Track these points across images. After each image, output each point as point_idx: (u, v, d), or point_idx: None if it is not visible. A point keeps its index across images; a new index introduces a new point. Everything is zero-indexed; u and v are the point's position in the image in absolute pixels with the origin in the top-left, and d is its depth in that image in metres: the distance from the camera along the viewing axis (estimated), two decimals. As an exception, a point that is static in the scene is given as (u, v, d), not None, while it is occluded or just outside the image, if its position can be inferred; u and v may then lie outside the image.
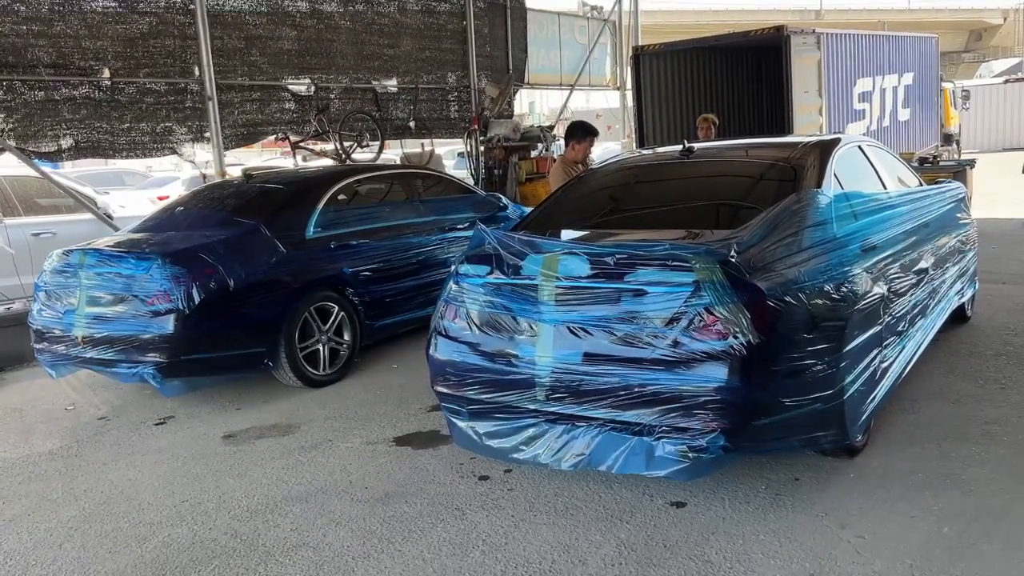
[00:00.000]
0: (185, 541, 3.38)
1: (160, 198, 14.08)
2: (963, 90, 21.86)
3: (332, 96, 10.42)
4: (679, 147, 4.56)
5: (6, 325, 6.52)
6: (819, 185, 3.88)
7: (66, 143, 8.08)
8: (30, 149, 7.77)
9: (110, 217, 8.45)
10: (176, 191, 15.22)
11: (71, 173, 15.91)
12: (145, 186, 17.46)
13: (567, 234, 3.98)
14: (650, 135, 12.43)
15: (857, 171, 4.39)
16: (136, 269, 4.90)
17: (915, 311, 4.32)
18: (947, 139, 18.10)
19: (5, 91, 7.55)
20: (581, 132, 6.37)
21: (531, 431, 3.41)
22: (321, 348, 5.45)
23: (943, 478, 3.48)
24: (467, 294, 3.63)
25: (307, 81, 9.94)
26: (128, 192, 15.23)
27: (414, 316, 6.08)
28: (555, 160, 12.38)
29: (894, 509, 3.24)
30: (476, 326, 3.58)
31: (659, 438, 3.13)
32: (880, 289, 3.79)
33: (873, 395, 3.72)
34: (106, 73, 8.24)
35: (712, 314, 3.06)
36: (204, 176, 9.07)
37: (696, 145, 4.62)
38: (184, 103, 8.89)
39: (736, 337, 3.04)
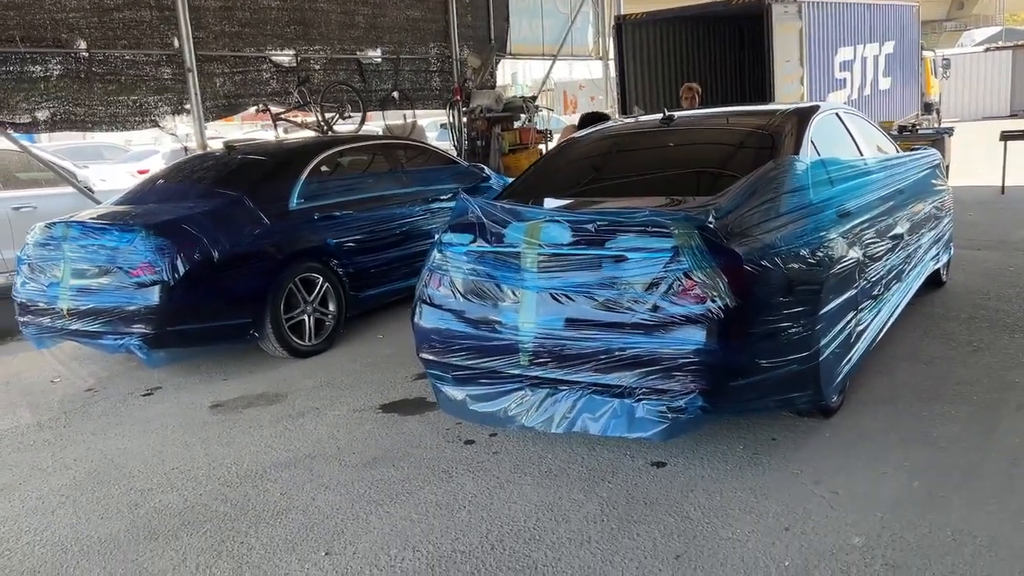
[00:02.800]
0: (176, 507, 3.44)
1: (140, 172, 13.94)
2: (944, 59, 21.96)
3: (315, 67, 10.34)
4: (659, 116, 4.61)
5: (-12, 299, 6.49)
6: (796, 152, 3.94)
7: (42, 115, 7.99)
8: (5, 121, 7.69)
9: (91, 191, 8.40)
10: (156, 165, 15.08)
11: (49, 147, 15.72)
12: (125, 160, 17.29)
13: (549, 202, 4.04)
14: (633, 104, 12.42)
15: (834, 138, 4.45)
16: (120, 241, 4.90)
17: (890, 276, 4.42)
18: (927, 108, 18.20)
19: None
20: (593, 123, 6.51)
21: (515, 396, 3.49)
22: (306, 319, 5.49)
23: (915, 436, 3.60)
24: (451, 263, 3.68)
25: (291, 52, 9.86)
26: (108, 166, 15.07)
27: (398, 287, 6.13)
28: (539, 132, 12.47)
29: (867, 466, 3.35)
30: (460, 294, 3.63)
31: (640, 400, 3.21)
32: (855, 254, 3.87)
33: (848, 357, 3.82)
34: (82, 45, 8.14)
35: (691, 278, 3.13)
36: (186, 149, 9.00)
37: (676, 113, 4.67)
38: (163, 75, 8.81)
39: (714, 301, 3.11)
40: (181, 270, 4.83)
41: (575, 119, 22.04)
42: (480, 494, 3.35)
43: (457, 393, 3.69)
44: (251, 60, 9.66)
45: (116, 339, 4.91)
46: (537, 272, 3.39)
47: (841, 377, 3.76)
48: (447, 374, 3.70)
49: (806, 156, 3.96)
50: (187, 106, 8.88)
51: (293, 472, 3.69)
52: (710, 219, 3.24)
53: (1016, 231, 8.10)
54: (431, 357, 3.75)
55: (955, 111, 25.98)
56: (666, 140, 4.57)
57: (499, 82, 14.53)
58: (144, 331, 4.85)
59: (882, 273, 4.26)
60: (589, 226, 3.31)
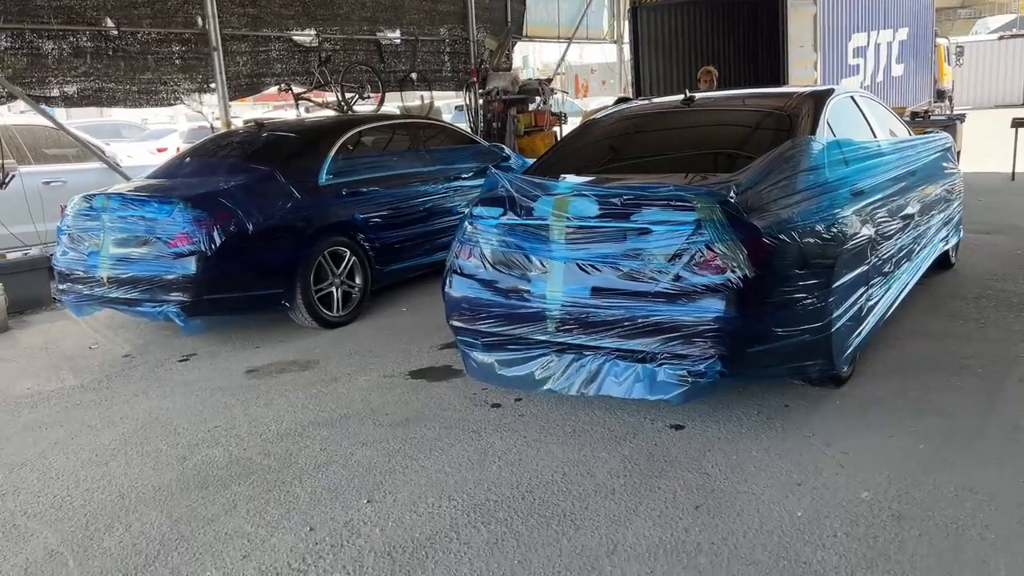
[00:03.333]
0: (222, 460, 3.65)
1: (159, 150, 14.18)
2: (957, 46, 21.92)
3: (335, 48, 10.50)
4: (680, 96, 4.77)
5: (24, 270, 6.72)
6: (813, 133, 4.11)
7: (71, 90, 8.20)
8: (34, 94, 7.89)
9: (119, 166, 8.61)
10: (174, 143, 15.31)
11: (67, 125, 15.92)
12: (143, 138, 17.49)
13: (574, 178, 4.22)
14: (647, 89, 12.55)
15: (849, 120, 4.61)
16: (159, 212, 5.11)
17: (900, 254, 4.59)
18: (940, 95, 18.23)
19: (14, 39, 7.65)
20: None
21: (542, 361, 3.68)
22: (335, 291, 5.69)
23: (922, 404, 3.78)
24: (481, 234, 3.87)
25: (311, 32, 10.02)
26: (126, 144, 15.28)
27: (422, 262, 6.33)
28: (554, 115, 12.61)
29: (875, 430, 3.54)
30: (490, 264, 3.81)
31: (661, 364, 3.40)
32: (868, 231, 4.04)
33: (859, 330, 4.00)
34: (109, 22, 8.32)
35: (712, 250, 3.32)
36: (212, 127, 9.19)
37: (696, 95, 4.83)
38: (188, 54, 8.99)
39: (733, 271, 3.29)
40: (217, 241, 5.03)
41: (588, 103, 22.05)
42: (509, 451, 3.55)
43: (485, 359, 3.88)
44: (272, 40, 9.83)
45: (154, 307, 5.13)
46: (565, 243, 3.58)
47: (852, 348, 3.94)
48: (476, 340, 3.89)
49: (822, 137, 4.12)
50: (212, 84, 9.06)
51: (331, 431, 3.90)
52: (731, 194, 3.42)
53: (1025, 216, 8.24)
54: (461, 324, 3.94)
55: (968, 99, 25.92)
56: (687, 120, 4.74)
57: (514, 65, 14.67)
58: (182, 299, 5.06)
59: (893, 251, 4.43)
60: (615, 200, 3.49)
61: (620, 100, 7.59)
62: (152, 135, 17.83)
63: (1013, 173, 10.85)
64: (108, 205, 5.28)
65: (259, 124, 6.57)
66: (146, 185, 5.78)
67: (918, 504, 2.92)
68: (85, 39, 8.20)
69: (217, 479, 3.47)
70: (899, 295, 4.67)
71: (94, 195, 5.42)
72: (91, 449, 3.87)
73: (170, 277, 5.06)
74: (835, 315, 3.70)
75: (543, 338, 3.66)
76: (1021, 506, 2.86)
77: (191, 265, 5.02)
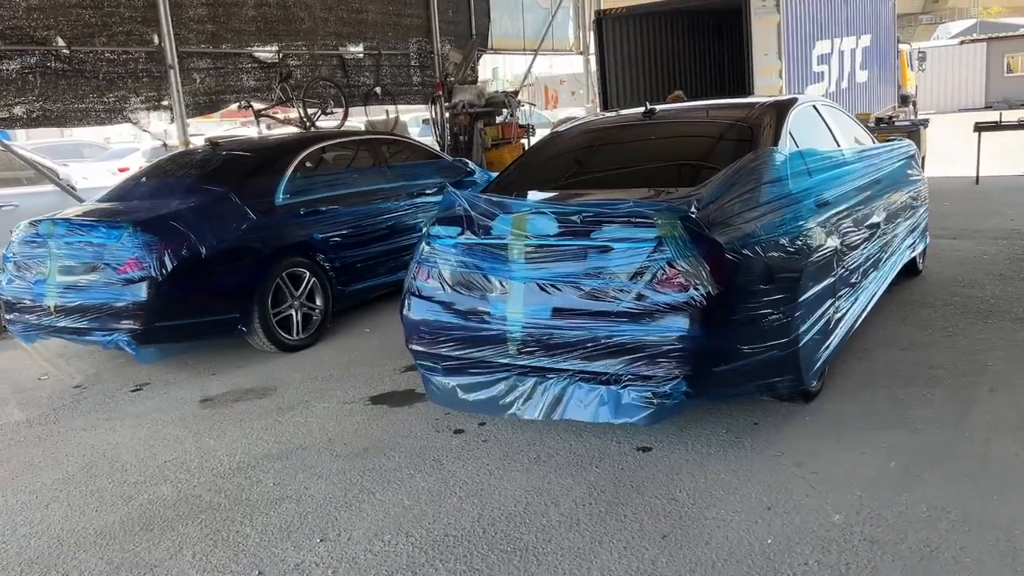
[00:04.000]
0: (170, 498, 3.48)
1: (120, 169, 13.90)
2: (920, 52, 22.25)
3: (297, 63, 10.34)
4: (642, 109, 4.69)
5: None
6: (775, 144, 4.04)
7: (17, 111, 7.95)
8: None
9: (73, 188, 8.37)
10: (136, 162, 15.02)
11: (27, 145, 15.58)
12: (105, 157, 17.18)
13: (535, 195, 4.11)
14: (614, 99, 12.50)
15: (812, 130, 4.55)
16: (107, 237, 4.92)
17: (867, 263, 4.53)
18: (904, 100, 18.45)
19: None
20: None
21: (504, 384, 3.56)
22: (294, 313, 5.53)
23: (892, 418, 3.71)
24: (439, 255, 3.74)
25: (273, 48, 9.85)
26: (88, 164, 14.99)
27: (385, 281, 6.19)
28: (521, 127, 12.53)
29: (846, 447, 3.45)
30: (448, 285, 3.69)
31: (625, 386, 3.30)
32: (833, 242, 3.97)
33: (827, 343, 3.92)
34: (60, 41, 8.11)
35: (674, 267, 3.22)
36: (165, 145, 8.98)
37: (657, 107, 4.75)
38: (143, 71, 8.78)
39: (696, 289, 3.20)
40: (168, 266, 4.86)
41: (557, 114, 22.01)
42: (471, 481, 3.42)
43: (447, 383, 3.75)
44: (232, 56, 9.65)
45: (104, 335, 4.93)
46: (524, 263, 3.47)
47: (820, 362, 3.86)
48: (437, 365, 3.76)
49: (785, 147, 4.05)
50: (166, 103, 8.86)
51: (285, 463, 3.75)
52: (692, 209, 3.33)
53: (990, 220, 8.27)
54: (420, 348, 3.81)
55: (931, 103, 26.33)
56: (649, 133, 4.66)
57: (481, 77, 14.59)
58: (132, 327, 4.87)
59: (859, 261, 4.36)
60: (574, 217, 3.38)
61: (563, 121, 7.53)
62: (115, 154, 17.53)
63: (977, 177, 10.94)
64: (54, 231, 5.08)
65: (214, 143, 6.40)
66: (96, 209, 5.58)
67: (890, 526, 2.82)
68: (35, 59, 7.96)
69: (163, 520, 3.29)
70: (867, 305, 4.61)
71: (40, 220, 5.22)
72: (31, 490, 3.68)
73: (120, 304, 4.87)
74: (802, 329, 3.62)
75: (505, 361, 3.54)
76: (995, 527, 2.77)
77: (141, 291, 4.84)
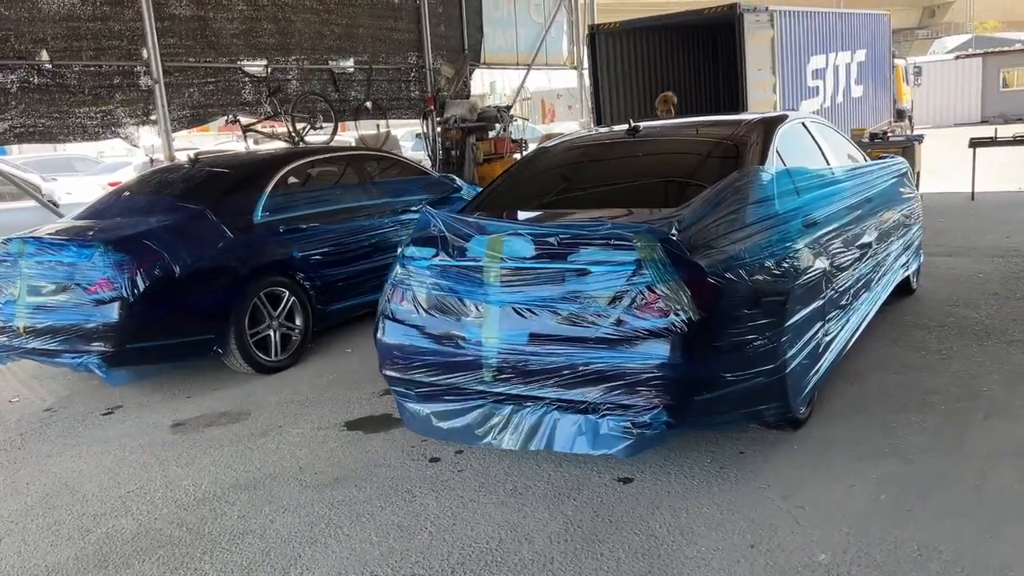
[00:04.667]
0: (129, 532, 3.33)
1: (112, 184, 13.75)
2: (915, 66, 22.21)
3: (288, 78, 10.25)
4: (626, 126, 4.57)
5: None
6: (762, 162, 3.92)
7: (2, 127, 7.84)
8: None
9: (56, 204, 8.25)
10: (128, 176, 14.90)
11: (18, 159, 15.50)
12: (96, 172, 17.04)
13: (514, 214, 3.99)
14: (608, 114, 12.43)
15: (800, 148, 4.44)
16: (78, 257, 4.79)
17: (859, 285, 4.40)
18: (900, 115, 18.38)
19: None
20: None
21: (479, 412, 3.42)
22: (272, 334, 5.39)
23: (883, 447, 3.57)
24: (413, 277, 3.61)
25: (263, 63, 9.76)
26: (79, 178, 14.86)
27: (367, 300, 6.01)
28: (514, 142, 12.44)
29: (834, 479, 3.31)
30: (423, 309, 3.56)
31: (604, 415, 3.16)
32: (822, 264, 3.85)
33: (816, 368, 3.79)
34: (45, 56, 8.01)
35: (654, 292, 3.09)
36: (152, 160, 8.88)
37: (642, 124, 4.63)
38: (131, 85, 8.68)
39: (677, 314, 3.07)
40: (141, 286, 4.72)
41: (553, 128, 21.99)
42: (443, 515, 3.27)
43: (421, 410, 3.61)
44: (222, 70, 9.56)
45: (75, 357, 4.79)
46: (500, 286, 3.34)
47: (809, 388, 3.73)
48: (411, 391, 3.63)
49: (771, 166, 3.93)
50: (153, 117, 8.75)
51: (252, 494, 3.60)
52: (673, 231, 3.20)
53: (985, 237, 8.16)
54: (394, 374, 3.68)
55: (927, 118, 26.30)
56: (633, 151, 4.54)
57: (476, 91, 14.53)
58: (103, 349, 4.73)
59: (850, 283, 4.24)
60: (551, 239, 3.26)
61: (548, 137, 7.41)
62: (106, 168, 17.40)
63: (973, 193, 10.84)
64: (25, 249, 4.95)
65: (195, 159, 6.28)
66: (70, 227, 5.45)
67: (878, 568, 2.68)
68: (18, 74, 7.86)
69: (120, 556, 3.14)
70: (858, 327, 4.48)
71: (11, 239, 5.09)
72: (-13, 522, 3.53)
73: (90, 326, 4.73)
74: (789, 355, 3.49)
75: (480, 388, 3.40)
76: (989, 568, 2.63)
77: (113, 312, 4.70)
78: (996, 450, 3.47)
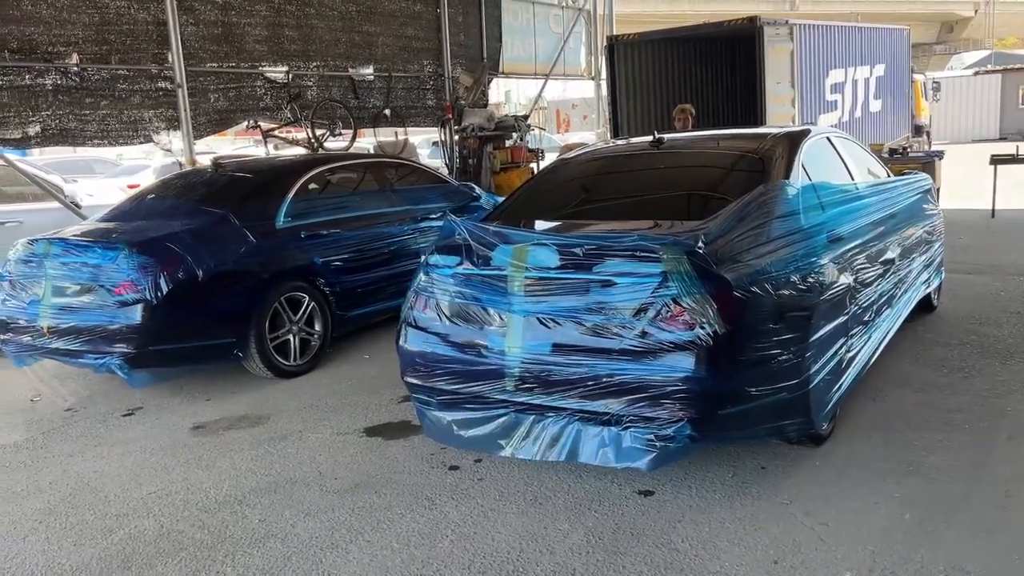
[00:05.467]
0: (152, 533, 3.35)
1: (130, 186, 13.86)
2: (934, 82, 22.12)
3: (308, 84, 10.31)
4: (650, 138, 4.57)
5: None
6: (787, 176, 3.91)
7: (33, 130, 7.93)
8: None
9: (78, 206, 8.31)
10: (147, 179, 15.01)
11: (39, 161, 15.63)
12: (116, 174, 17.21)
13: (538, 224, 4.00)
14: (624, 125, 12.43)
15: (825, 162, 4.42)
16: (102, 259, 4.83)
17: (881, 301, 4.38)
18: (918, 130, 18.30)
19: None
20: None
21: (500, 422, 3.42)
22: (292, 339, 5.42)
23: (906, 465, 3.54)
24: (437, 285, 3.62)
25: (284, 69, 9.82)
26: (98, 180, 14.99)
27: (386, 306, 6.05)
28: (531, 151, 12.46)
29: (857, 496, 3.29)
30: (446, 317, 3.57)
31: (627, 428, 3.15)
32: (846, 279, 3.83)
33: (839, 384, 3.77)
34: (74, 59, 8.09)
35: (679, 304, 3.08)
36: (180, 164, 8.94)
37: (666, 136, 4.63)
38: (156, 90, 8.75)
39: (703, 327, 3.06)
40: (164, 289, 4.76)
41: (569, 138, 22.01)
42: (463, 523, 3.27)
43: (443, 418, 3.62)
44: (244, 76, 9.63)
45: (97, 358, 4.83)
46: (524, 296, 3.34)
47: (831, 404, 3.71)
48: (432, 399, 3.63)
49: (797, 181, 3.92)
50: (177, 121, 8.81)
51: (273, 498, 3.61)
52: (699, 244, 3.20)
53: (1006, 255, 8.10)
54: (416, 381, 3.68)
55: (945, 134, 26.17)
56: (656, 163, 4.54)
57: (493, 100, 14.56)
58: (126, 350, 4.76)
59: (873, 298, 4.22)
60: (576, 250, 3.26)
61: (570, 147, 7.44)
62: (125, 171, 17.57)
63: (993, 210, 10.77)
64: (50, 250, 5.00)
65: (217, 164, 6.33)
66: (94, 229, 5.50)
67: (905, 587, 2.66)
68: (48, 77, 7.94)
69: (142, 557, 3.16)
70: (880, 343, 4.46)
71: (37, 239, 5.14)
72: (11, 520, 3.56)
73: (113, 327, 4.77)
74: (813, 370, 3.47)
75: (502, 397, 3.41)
76: (1017, 589, 2.61)
77: (136, 314, 4.74)
78: (1020, 472, 3.44)
